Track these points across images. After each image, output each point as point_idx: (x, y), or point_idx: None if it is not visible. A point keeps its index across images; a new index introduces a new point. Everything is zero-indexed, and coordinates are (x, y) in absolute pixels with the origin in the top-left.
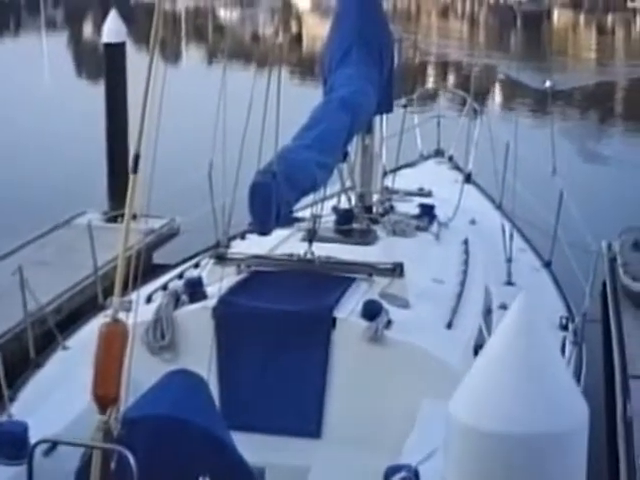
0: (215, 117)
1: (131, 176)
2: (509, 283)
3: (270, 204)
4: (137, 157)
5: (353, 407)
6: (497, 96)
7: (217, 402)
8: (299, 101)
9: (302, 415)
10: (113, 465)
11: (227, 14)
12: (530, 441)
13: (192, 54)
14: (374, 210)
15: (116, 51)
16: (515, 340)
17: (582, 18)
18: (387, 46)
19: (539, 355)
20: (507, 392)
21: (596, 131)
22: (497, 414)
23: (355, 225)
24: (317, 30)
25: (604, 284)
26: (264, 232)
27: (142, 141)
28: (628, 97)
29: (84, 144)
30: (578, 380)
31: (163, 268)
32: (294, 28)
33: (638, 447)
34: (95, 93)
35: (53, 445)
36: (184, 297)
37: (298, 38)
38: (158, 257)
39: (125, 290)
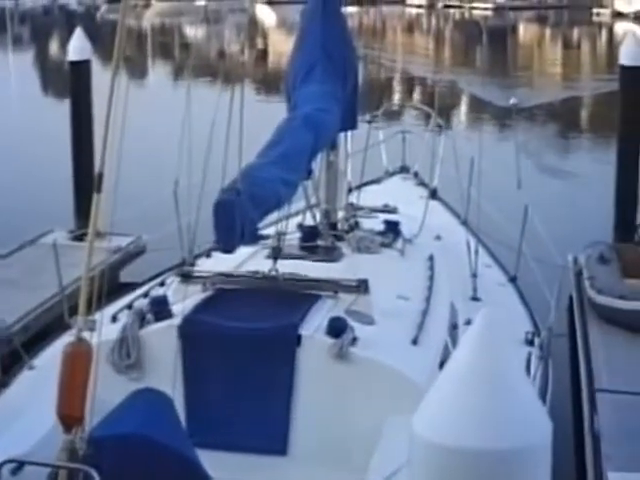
0: (180, 135)
1: (95, 195)
2: (475, 298)
3: (234, 222)
4: (101, 176)
5: (319, 424)
6: (462, 112)
7: (183, 420)
8: (264, 118)
9: (268, 433)
10: None
11: (193, 31)
12: (493, 456)
13: (158, 71)
14: (339, 227)
15: (81, 69)
16: (477, 355)
17: (548, 32)
18: (351, 63)
19: (501, 370)
20: (469, 408)
21: (560, 146)
22: (460, 430)
23: (320, 242)
24: (283, 46)
25: (570, 298)
26: (228, 250)
27: (106, 160)
28: (593, 112)
29: (52, 162)
30: (544, 394)
31: (129, 286)
32: (260, 44)
33: (606, 460)
34: (62, 111)
35: (19, 465)
36: (149, 316)
37: (264, 54)
38: (125, 275)
39: (90, 309)
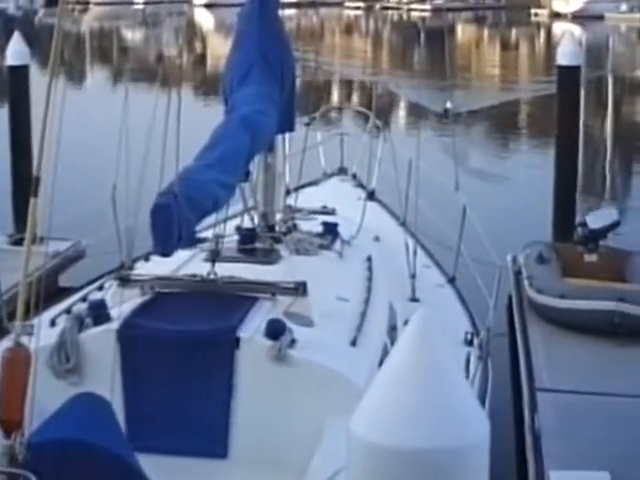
0: (118, 138)
1: (32, 199)
2: (413, 299)
3: (171, 225)
4: (37, 180)
5: (259, 427)
6: (400, 114)
7: (122, 424)
8: (202, 121)
9: (208, 436)
10: None
11: (131, 34)
12: (429, 456)
13: (96, 75)
14: (277, 229)
15: (19, 73)
16: (413, 355)
17: (486, 33)
18: (288, 65)
19: (437, 370)
20: (406, 408)
21: (498, 149)
22: (396, 430)
23: (258, 244)
24: (221, 49)
25: (510, 298)
26: (166, 253)
27: (43, 164)
28: (531, 115)
29: None
30: (484, 394)
31: (68, 291)
32: (198, 47)
33: (547, 459)
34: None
35: None
36: (88, 320)
37: (202, 57)
38: (64, 280)
39: (28, 314)
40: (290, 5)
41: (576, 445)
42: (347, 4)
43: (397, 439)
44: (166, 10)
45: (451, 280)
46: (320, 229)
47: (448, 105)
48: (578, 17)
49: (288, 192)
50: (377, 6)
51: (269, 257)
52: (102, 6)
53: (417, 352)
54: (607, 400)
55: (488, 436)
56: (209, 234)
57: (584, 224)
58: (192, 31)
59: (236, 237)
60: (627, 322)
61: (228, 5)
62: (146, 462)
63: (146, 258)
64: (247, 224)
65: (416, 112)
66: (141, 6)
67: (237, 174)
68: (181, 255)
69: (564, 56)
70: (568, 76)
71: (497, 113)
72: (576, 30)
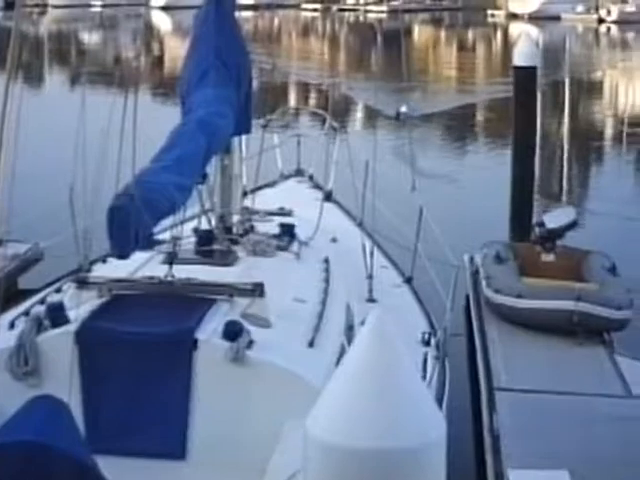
0: (75, 141)
1: None
2: (371, 300)
3: (128, 227)
4: None
5: (217, 428)
6: (357, 116)
7: (81, 426)
8: (159, 123)
9: (166, 437)
10: None
11: (89, 37)
12: (386, 456)
13: (54, 77)
14: (234, 231)
15: None
16: (369, 356)
17: (443, 34)
18: (245, 67)
19: (392, 370)
20: (361, 408)
21: (455, 151)
22: (352, 430)
23: (216, 246)
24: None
25: (467, 298)
26: (122, 256)
27: (0, 167)
28: (488, 118)
29: None
30: (442, 394)
31: (27, 293)
32: (156, 50)
33: (506, 458)
34: None
35: None
36: (46, 322)
37: (160, 60)
38: (23, 282)
39: None
40: (247, 7)
41: (535, 444)
42: (304, 6)
43: (353, 439)
44: (124, 12)
45: (408, 280)
46: (277, 230)
47: (402, 109)
48: (535, 18)
49: (245, 194)
50: (334, 8)
51: (226, 259)
52: (60, 9)
53: (373, 352)
54: (565, 399)
55: (445, 435)
56: (167, 236)
57: (541, 224)
58: (150, 33)
59: (193, 239)
60: (585, 321)
61: (185, 7)
62: (105, 464)
63: (104, 260)
64: (204, 226)
65: (373, 114)
66: (99, 9)
67: (194, 176)
68: (139, 257)
69: (520, 57)
70: (524, 77)
71: (454, 116)
72: (532, 31)
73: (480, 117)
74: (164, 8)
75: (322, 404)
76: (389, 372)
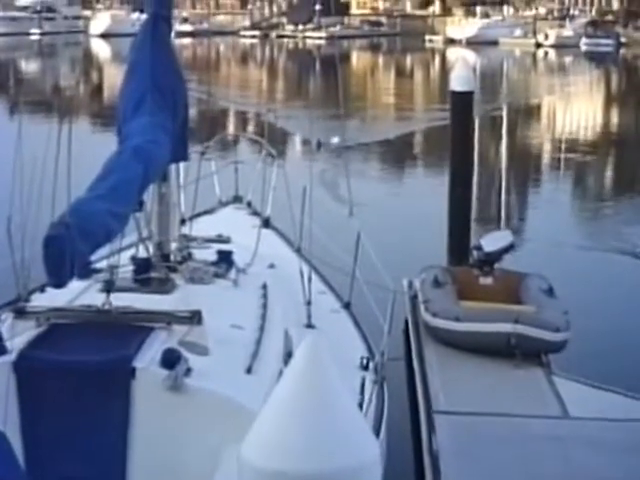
0: (11, 171)
1: None
2: (309, 326)
3: (64, 257)
4: None
5: (156, 457)
6: (294, 142)
7: (20, 457)
8: (96, 152)
9: (105, 467)
10: None
11: (28, 65)
12: (318, 479)
13: None
14: (172, 258)
15: None
16: (302, 381)
17: (381, 60)
18: (181, 94)
19: (325, 394)
20: (294, 432)
21: (392, 177)
22: (285, 454)
23: (153, 274)
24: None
25: (406, 322)
26: (59, 285)
27: None
28: (426, 146)
29: None
30: (380, 417)
31: None
32: (94, 77)
33: (445, 479)
34: None
35: None
36: None
37: (98, 87)
38: None
39: None
40: (185, 34)
41: (473, 465)
42: (243, 33)
43: (286, 464)
44: (63, 40)
45: (346, 305)
46: (215, 258)
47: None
48: (473, 43)
49: (183, 221)
50: (273, 34)
51: (164, 286)
52: None
53: (306, 377)
54: (503, 420)
55: (378, 457)
56: (104, 264)
57: (479, 247)
58: (88, 61)
59: (131, 267)
60: (523, 343)
61: (124, 35)
62: None
63: (42, 289)
64: (142, 254)
65: (309, 141)
66: (38, 37)
67: (130, 204)
68: (77, 286)
69: (457, 82)
70: (461, 101)
71: (391, 143)
72: (470, 56)
73: (418, 144)
74: (103, 36)
75: (256, 429)
76: (321, 396)
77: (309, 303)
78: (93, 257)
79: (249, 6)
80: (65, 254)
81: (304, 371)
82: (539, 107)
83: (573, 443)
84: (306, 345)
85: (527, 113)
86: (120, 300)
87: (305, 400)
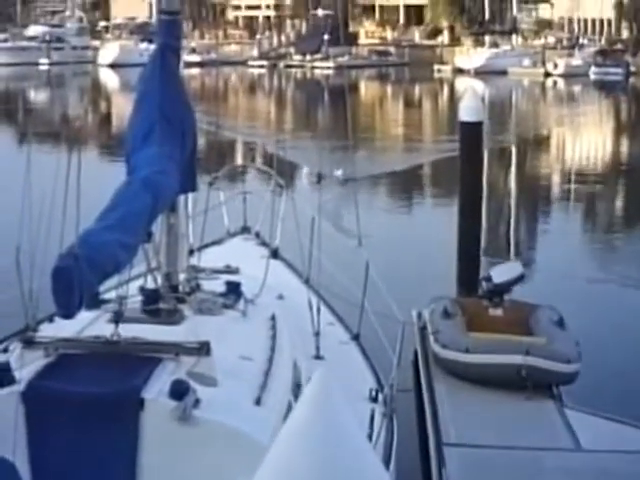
0: (21, 200)
1: None
2: (318, 357)
3: (72, 287)
4: None
5: None
6: (303, 174)
7: None
8: (105, 182)
9: None
10: None
11: (37, 95)
12: None
13: (1, 137)
14: (180, 289)
15: None
16: (312, 415)
17: (389, 90)
18: (190, 125)
19: (335, 429)
20: (304, 466)
21: (400, 208)
22: None
23: (162, 305)
24: (126, 109)
25: (415, 353)
26: (68, 316)
27: None
28: (435, 175)
29: None
30: (390, 449)
31: None
32: (103, 107)
33: None
34: None
35: None
36: None
37: (107, 117)
38: None
39: None
40: (193, 64)
41: None
42: (251, 62)
43: None
44: (71, 70)
45: (355, 337)
46: (224, 288)
47: (338, 172)
48: (481, 72)
49: (191, 252)
50: (281, 64)
51: (172, 317)
52: (7, 67)
53: (316, 412)
54: (514, 453)
55: None
56: (113, 295)
57: (488, 278)
58: (97, 91)
59: (140, 298)
60: (534, 375)
61: (133, 65)
62: None
63: (50, 319)
64: (150, 285)
65: (317, 172)
66: (46, 67)
67: (139, 235)
68: (85, 316)
69: (466, 112)
70: (470, 132)
71: (400, 174)
72: (479, 86)
73: (427, 175)
74: (112, 66)
75: (266, 464)
76: (332, 431)
77: (318, 334)
78: (102, 287)
79: (257, 36)
80: (74, 285)
81: (315, 405)
82: (548, 137)
83: (586, 476)
84: (316, 378)
85: (536, 143)
86: (129, 331)
87: (315, 435)
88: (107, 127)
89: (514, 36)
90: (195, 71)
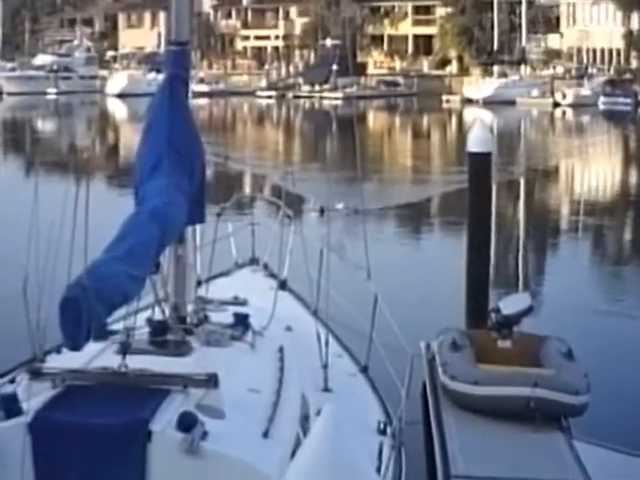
0: (28, 230)
1: None
2: (326, 389)
3: (80, 319)
4: None
5: None
6: (310, 205)
7: None
8: (113, 213)
9: None
10: None
11: (44, 125)
12: None
13: (8, 166)
14: (188, 321)
15: None
16: (322, 450)
17: (397, 120)
18: (198, 155)
19: (344, 463)
20: None
21: (409, 241)
22: None
23: (170, 336)
24: (134, 139)
25: (424, 385)
26: (75, 347)
27: None
28: (443, 207)
29: None
30: None
31: None
32: (111, 137)
33: None
34: None
35: None
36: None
37: (114, 147)
38: None
39: None
40: (201, 95)
41: None
42: (259, 93)
43: None
44: (79, 100)
45: (364, 369)
46: (232, 320)
47: (340, 206)
48: (490, 103)
49: (199, 283)
50: (289, 94)
51: (180, 349)
52: (15, 96)
53: (326, 447)
54: None
55: None
56: (120, 326)
57: (497, 310)
58: (105, 121)
59: (147, 329)
60: (543, 407)
61: (140, 95)
62: None
63: (58, 350)
64: (158, 316)
65: (325, 204)
66: (54, 96)
67: (146, 266)
68: (93, 347)
69: (474, 143)
70: (479, 163)
71: (408, 207)
72: (487, 116)
73: (435, 207)
74: (119, 95)
75: None
76: (340, 466)
77: (326, 366)
78: (109, 319)
79: (266, 66)
80: (82, 316)
81: (323, 441)
82: (557, 169)
83: None
84: (326, 413)
85: (545, 175)
86: (136, 362)
87: (325, 472)
88: (115, 157)
89: (523, 66)
90: (203, 101)
